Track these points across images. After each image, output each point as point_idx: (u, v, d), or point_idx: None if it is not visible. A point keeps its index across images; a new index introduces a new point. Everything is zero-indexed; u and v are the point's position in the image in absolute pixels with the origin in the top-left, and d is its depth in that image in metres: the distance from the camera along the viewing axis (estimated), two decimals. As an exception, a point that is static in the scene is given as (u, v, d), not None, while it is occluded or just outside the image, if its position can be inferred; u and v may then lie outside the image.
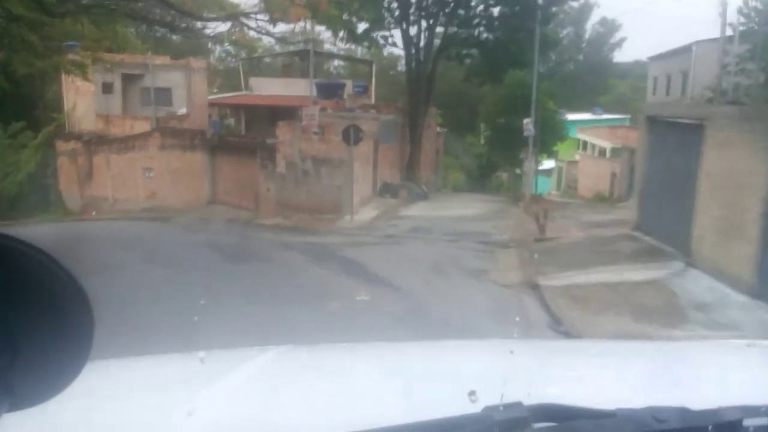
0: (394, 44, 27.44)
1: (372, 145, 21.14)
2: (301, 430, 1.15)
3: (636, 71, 54.11)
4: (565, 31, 50.85)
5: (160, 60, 29.83)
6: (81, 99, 28.77)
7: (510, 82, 26.41)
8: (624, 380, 1.47)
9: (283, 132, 20.72)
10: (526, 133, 21.63)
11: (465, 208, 22.16)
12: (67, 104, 29.08)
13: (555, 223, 18.39)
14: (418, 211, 21.15)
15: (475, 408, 0.97)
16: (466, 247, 15.29)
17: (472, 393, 1.03)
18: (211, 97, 32.70)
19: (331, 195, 19.58)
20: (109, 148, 27.11)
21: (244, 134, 26.22)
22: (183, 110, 29.05)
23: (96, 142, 27.61)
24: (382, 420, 0.95)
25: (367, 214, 19.47)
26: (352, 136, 17.83)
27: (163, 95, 29.19)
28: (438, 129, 31.02)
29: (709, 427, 0.95)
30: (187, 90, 29.37)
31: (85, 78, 24.97)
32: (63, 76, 29.36)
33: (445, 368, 1.59)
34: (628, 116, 49.67)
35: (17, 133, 29.63)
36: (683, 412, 0.97)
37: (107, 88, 28.59)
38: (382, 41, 27.39)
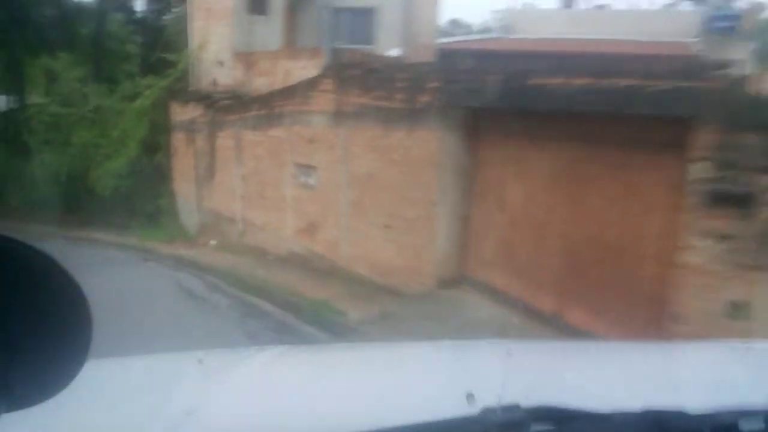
0: None
1: None
2: (299, 429, 1.02)
3: None
4: None
5: (357, -45, 14.19)
6: (214, 28, 14.22)
7: None
8: (622, 382, 1.28)
9: None
10: None
11: None
12: (193, 39, 14.80)
13: None
14: None
15: (473, 410, 0.87)
16: None
17: (470, 395, 0.91)
18: (442, 40, 16.60)
19: None
20: (241, 119, 12.08)
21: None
22: (394, 51, 13.26)
23: (222, 107, 12.81)
24: (379, 421, 0.86)
25: None
26: None
27: (359, 22, 13.59)
28: None
29: (707, 430, 0.85)
30: (403, 15, 13.57)
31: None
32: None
33: (443, 370, 1.43)
34: None
35: (139, 93, 15.85)
36: (680, 414, 0.87)
37: (257, 5, 13.67)
38: None
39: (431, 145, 6.76)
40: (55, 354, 0.64)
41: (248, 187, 10.96)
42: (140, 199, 14.35)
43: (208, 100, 12.41)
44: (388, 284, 7.50)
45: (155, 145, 13.88)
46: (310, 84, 9.01)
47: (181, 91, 13.47)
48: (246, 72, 11.89)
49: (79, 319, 0.64)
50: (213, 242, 12.03)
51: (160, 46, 14.77)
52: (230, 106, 11.55)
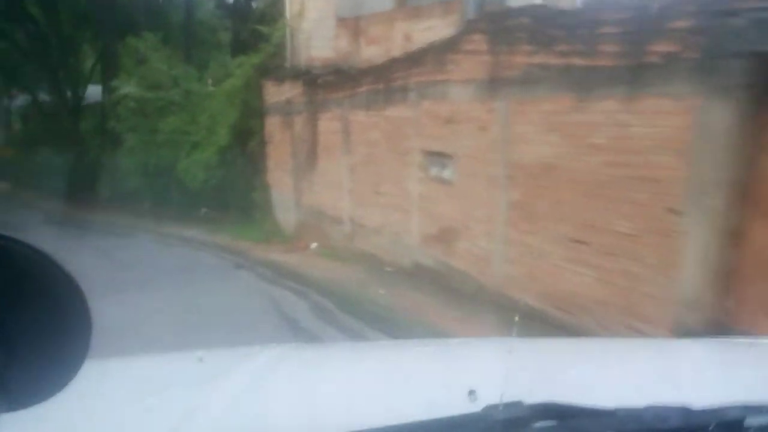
0: None
1: None
2: (301, 429, 0.98)
3: None
4: None
5: None
6: (313, -8, 11.95)
7: None
8: (625, 378, 1.23)
9: None
10: None
11: None
12: (290, 7, 12.71)
13: None
14: None
15: (476, 407, 0.85)
16: None
17: (472, 392, 0.89)
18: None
19: None
20: (349, 98, 9.99)
21: None
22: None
23: (325, 83, 10.57)
24: (382, 419, 0.84)
25: None
26: None
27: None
28: None
29: (711, 426, 0.83)
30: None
31: None
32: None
33: (445, 367, 1.35)
34: None
35: (230, 75, 14.01)
36: (684, 410, 0.85)
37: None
38: None
39: (672, 120, 4.19)
40: (54, 354, 0.61)
41: (358, 180, 8.77)
42: (231, 192, 12.58)
43: (306, 76, 10.30)
44: (576, 325, 5.04)
45: (247, 131, 11.99)
46: (449, 44, 6.61)
47: (276, 68, 11.46)
48: (352, 41, 9.66)
49: (78, 319, 0.60)
50: (314, 245, 9.97)
51: (253, 19, 12.83)
52: (335, 82, 9.37)
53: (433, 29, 7.71)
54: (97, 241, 12.48)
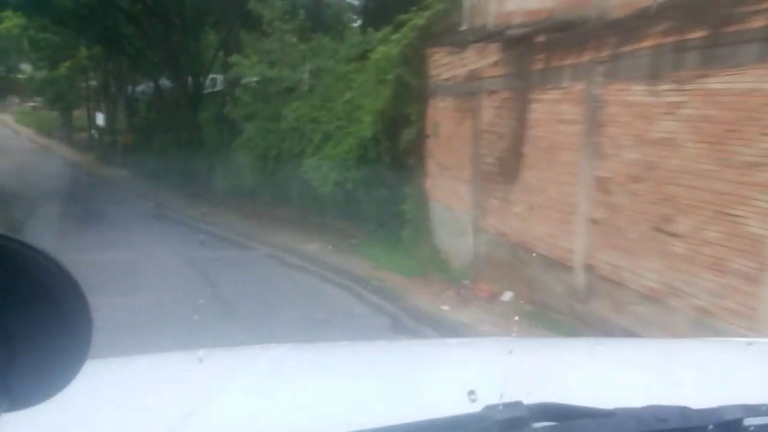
0: None
1: None
2: (301, 429, 0.94)
3: None
4: None
5: None
6: None
7: None
8: (624, 379, 1.19)
9: None
10: None
11: None
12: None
13: None
14: None
15: (475, 407, 0.80)
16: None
17: (471, 392, 0.85)
18: None
19: None
20: (603, 63, 6.02)
21: None
22: None
23: (550, 44, 6.79)
24: (380, 419, 0.80)
25: None
26: None
27: None
28: None
29: (710, 426, 0.80)
30: None
31: None
32: None
33: (444, 367, 1.32)
34: None
35: (369, 51, 10.65)
36: (683, 411, 0.82)
37: None
38: None
39: None
40: (55, 353, 0.59)
41: (615, 205, 4.94)
42: (372, 199, 9.19)
43: (501, 38, 6.60)
44: None
45: (401, 118, 8.51)
46: None
47: (448, 31, 7.86)
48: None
49: (79, 318, 0.58)
50: (507, 296, 6.27)
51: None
52: (569, 40, 5.58)
53: None
54: (200, 252, 9.63)
